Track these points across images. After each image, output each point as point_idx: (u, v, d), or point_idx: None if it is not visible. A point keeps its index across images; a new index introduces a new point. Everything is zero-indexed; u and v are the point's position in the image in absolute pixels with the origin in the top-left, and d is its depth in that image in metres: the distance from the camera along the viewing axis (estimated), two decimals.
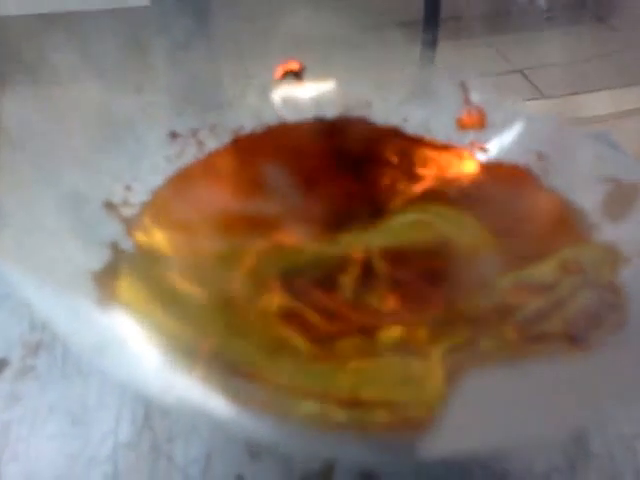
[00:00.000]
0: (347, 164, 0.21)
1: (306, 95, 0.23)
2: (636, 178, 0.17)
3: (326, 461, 0.19)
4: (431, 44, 0.29)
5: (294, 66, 0.23)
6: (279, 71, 0.23)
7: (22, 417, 0.21)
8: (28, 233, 0.14)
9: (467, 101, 0.22)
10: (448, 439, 0.10)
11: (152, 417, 0.21)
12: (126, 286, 0.15)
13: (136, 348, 0.14)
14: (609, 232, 0.17)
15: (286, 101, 0.23)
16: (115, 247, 0.16)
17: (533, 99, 0.88)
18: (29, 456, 0.20)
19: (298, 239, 0.18)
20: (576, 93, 0.92)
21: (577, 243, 0.17)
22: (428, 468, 0.19)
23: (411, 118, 0.23)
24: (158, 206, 0.18)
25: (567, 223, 0.18)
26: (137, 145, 0.20)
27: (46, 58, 0.17)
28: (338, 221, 0.19)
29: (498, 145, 0.22)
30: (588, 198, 0.18)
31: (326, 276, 0.18)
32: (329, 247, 0.18)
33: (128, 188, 0.19)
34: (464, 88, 0.23)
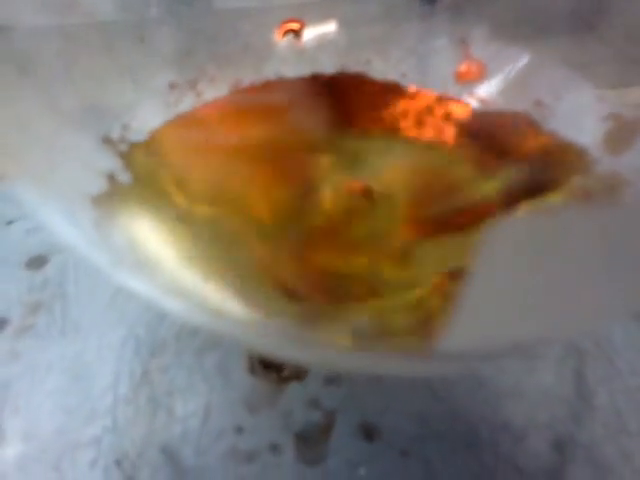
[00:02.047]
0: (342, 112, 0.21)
1: (305, 53, 0.23)
2: (637, 113, 0.17)
3: (326, 414, 0.19)
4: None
5: (294, 25, 0.23)
6: (280, 29, 0.23)
7: (22, 373, 0.21)
8: (34, 161, 0.14)
9: (467, 55, 0.22)
10: (465, 329, 0.10)
11: (151, 373, 0.21)
12: (125, 213, 0.15)
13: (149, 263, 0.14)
14: (611, 165, 0.17)
15: (285, 58, 0.23)
16: (112, 178, 0.16)
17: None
18: (30, 410, 0.20)
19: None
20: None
21: (579, 174, 0.17)
22: (432, 418, 0.19)
23: (410, 73, 0.23)
24: (157, 141, 0.18)
25: (567, 158, 0.18)
26: (137, 90, 0.20)
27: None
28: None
29: (496, 95, 0.22)
30: (589, 136, 0.18)
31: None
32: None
33: (125, 127, 0.19)
34: (463, 43, 0.23)
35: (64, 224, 0.14)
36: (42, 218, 0.14)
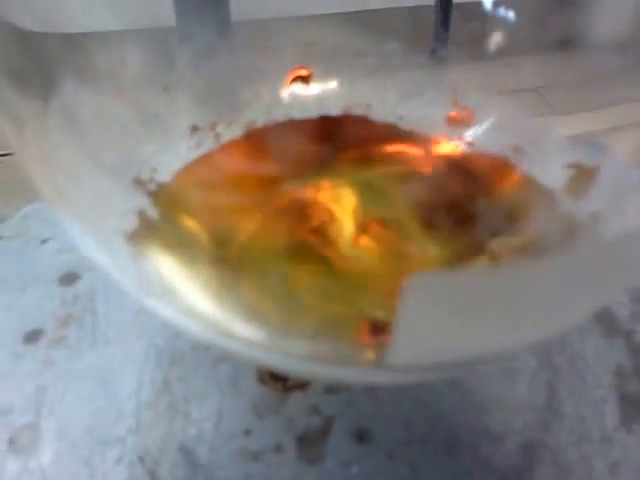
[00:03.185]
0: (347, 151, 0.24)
1: (312, 97, 0.26)
2: (595, 162, 0.20)
3: (325, 419, 0.22)
4: (443, 44, 0.31)
5: (303, 72, 0.26)
6: (289, 76, 0.26)
7: (56, 380, 0.24)
8: (78, 201, 0.17)
9: (456, 101, 0.25)
10: (411, 345, 0.12)
11: (170, 381, 0.23)
12: (153, 246, 0.18)
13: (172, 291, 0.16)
14: (571, 207, 0.20)
15: (294, 102, 0.26)
16: (142, 215, 0.19)
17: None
18: (63, 412, 0.22)
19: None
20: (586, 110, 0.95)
21: (544, 213, 0.19)
22: (418, 423, 0.21)
23: (406, 117, 0.25)
24: (179, 183, 0.21)
25: (536, 197, 0.20)
26: (164, 135, 0.23)
27: (93, 66, 0.20)
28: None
29: (482, 139, 0.25)
30: (555, 180, 0.21)
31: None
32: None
33: (154, 169, 0.21)
34: (453, 89, 0.25)
35: (102, 255, 0.17)
36: (84, 250, 0.17)
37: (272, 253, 0.20)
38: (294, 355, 0.17)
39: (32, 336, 0.25)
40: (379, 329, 0.18)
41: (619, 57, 0.23)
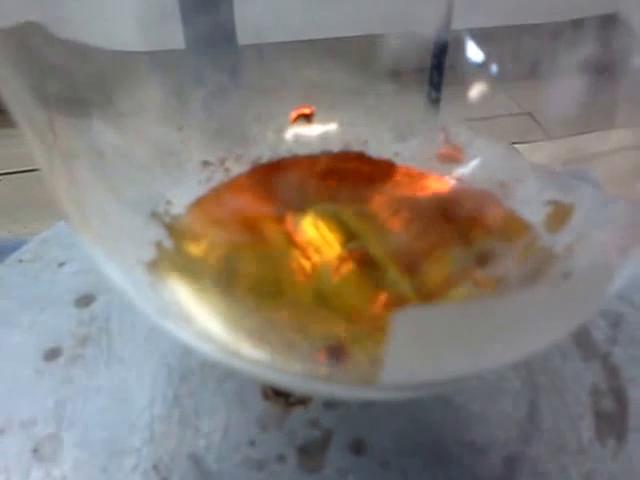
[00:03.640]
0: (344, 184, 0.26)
1: (314, 134, 0.28)
2: (574, 197, 0.22)
3: (324, 432, 0.24)
4: (437, 90, 0.34)
5: (306, 110, 0.28)
6: (293, 114, 0.28)
7: (75, 395, 0.25)
8: (102, 232, 0.19)
9: (446, 139, 0.27)
10: (400, 369, 0.14)
11: (181, 396, 0.25)
12: (170, 274, 0.20)
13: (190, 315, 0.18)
14: (549, 240, 0.22)
15: (298, 139, 0.28)
16: (160, 245, 0.21)
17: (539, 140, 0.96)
18: (82, 424, 0.24)
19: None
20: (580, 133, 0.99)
21: (525, 246, 0.22)
22: (410, 436, 0.23)
23: (401, 153, 0.28)
24: (191, 216, 0.23)
25: (518, 232, 0.22)
26: (178, 170, 0.25)
27: (118, 106, 0.23)
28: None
29: (470, 175, 0.27)
30: (535, 216, 0.23)
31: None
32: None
33: (169, 202, 0.24)
34: (443, 129, 0.28)
35: (125, 282, 0.19)
36: (108, 276, 0.19)
37: (268, 284, 0.22)
38: (292, 373, 0.19)
39: (52, 354, 0.27)
40: (339, 350, 0.20)
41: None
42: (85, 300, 0.30)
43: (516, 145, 0.28)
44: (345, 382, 0.18)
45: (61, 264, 0.32)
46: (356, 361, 0.19)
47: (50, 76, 0.20)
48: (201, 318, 0.21)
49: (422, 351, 0.14)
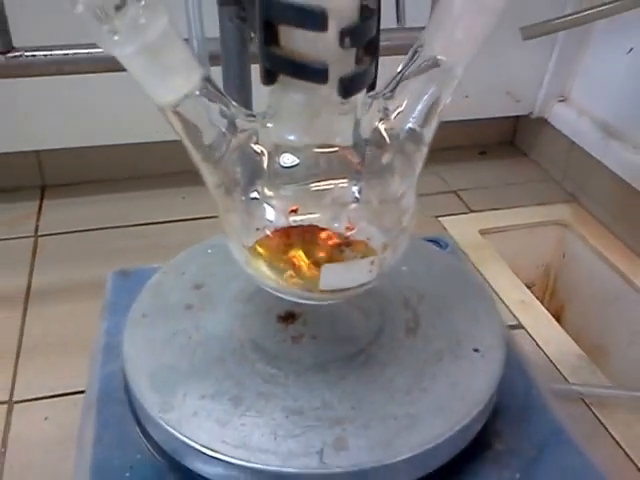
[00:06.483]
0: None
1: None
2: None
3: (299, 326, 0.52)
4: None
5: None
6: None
7: None
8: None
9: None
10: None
11: None
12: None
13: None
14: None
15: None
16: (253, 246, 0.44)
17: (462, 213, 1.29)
18: None
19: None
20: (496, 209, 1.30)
21: None
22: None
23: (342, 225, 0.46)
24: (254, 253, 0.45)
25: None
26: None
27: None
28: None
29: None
30: None
31: None
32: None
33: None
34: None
35: (237, 255, 0.50)
36: (232, 252, 0.50)
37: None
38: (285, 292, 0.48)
39: None
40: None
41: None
42: None
43: None
44: (304, 289, 0.46)
45: None
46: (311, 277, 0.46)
47: None
48: (266, 275, 0.48)
49: (335, 276, 0.44)
